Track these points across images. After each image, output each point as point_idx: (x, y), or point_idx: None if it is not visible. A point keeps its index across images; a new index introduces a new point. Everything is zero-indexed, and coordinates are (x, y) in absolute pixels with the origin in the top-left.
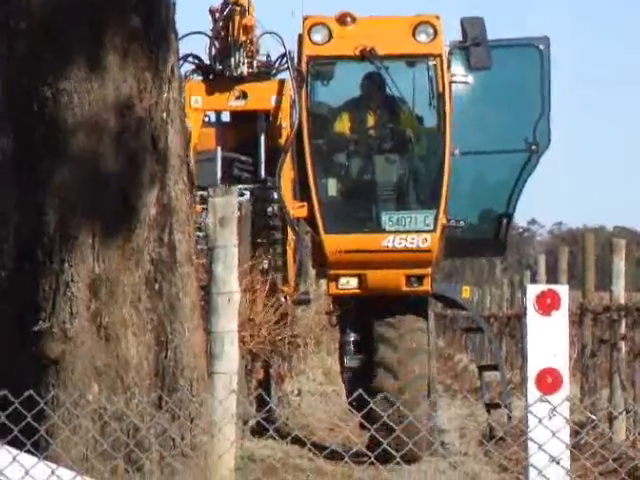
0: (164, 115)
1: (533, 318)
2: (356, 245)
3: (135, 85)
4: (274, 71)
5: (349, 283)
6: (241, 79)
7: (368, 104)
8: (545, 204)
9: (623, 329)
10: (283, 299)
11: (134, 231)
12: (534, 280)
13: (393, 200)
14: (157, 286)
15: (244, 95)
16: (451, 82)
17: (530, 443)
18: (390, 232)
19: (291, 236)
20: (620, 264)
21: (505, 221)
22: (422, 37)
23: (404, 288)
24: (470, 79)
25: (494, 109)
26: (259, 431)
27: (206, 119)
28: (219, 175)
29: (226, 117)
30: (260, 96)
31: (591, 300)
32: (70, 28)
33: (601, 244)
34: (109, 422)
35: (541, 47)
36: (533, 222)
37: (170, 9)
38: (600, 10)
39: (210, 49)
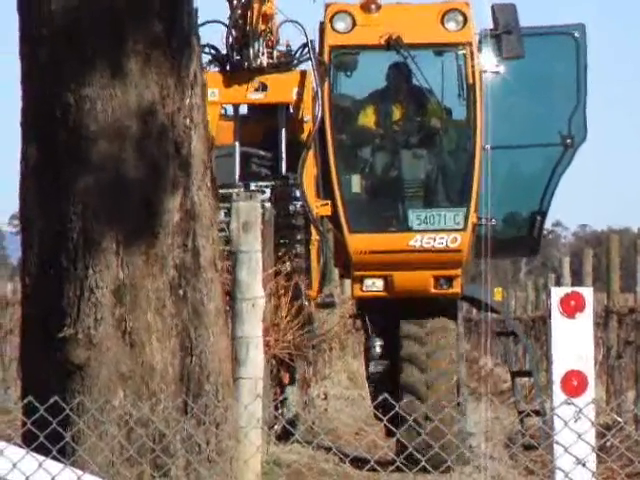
0: (187, 121)
1: (558, 321)
2: (382, 245)
3: (158, 91)
4: (295, 62)
5: (374, 285)
6: (260, 70)
7: (394, 96)
8: (570, 206)
9: None
10: (307, 302)
11: (158, 237)
12: (558, 283)
13: (421, 197)
14: (181, 292)
15: (264, 87)
16: (482, 72)
17: (556, 446)
18: (418, 231)
19: (315, 236)
20: None
21: (539, 219)
22: (451, 25)
23: (433, 290)
24: (502, 69)
25: (527, 100)
26: (284, 436)
27: (223, 112)
28: (237, 171)
29: (244, 110)
30: (281, 88)
31: (616, 302)
32: (92, 35)
33: (626, 246)
34: (135, 428)
35: (577, 35)
36: (558, 224)
37: (192, 15)
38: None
39: (227, 39)
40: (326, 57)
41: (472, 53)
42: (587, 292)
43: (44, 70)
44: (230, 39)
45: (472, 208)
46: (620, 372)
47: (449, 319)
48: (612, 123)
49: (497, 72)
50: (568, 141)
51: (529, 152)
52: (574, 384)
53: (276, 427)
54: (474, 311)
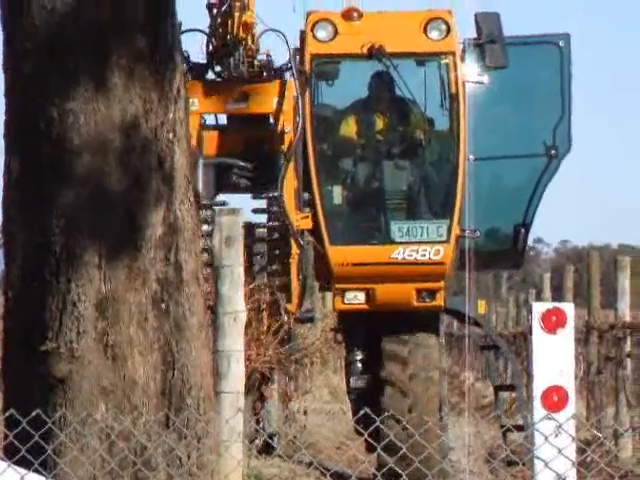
0: (170, 135)
1: (539, 336)
2: (363, 257)
3: (141, 105)
4: (276, 71)
5: (356, 298)
6: (241, 80)
7: (376, 106)
8: (551, 222)
9: (628, 347)
10: (286, 317)
11: (140, 251)
12: (539, 298)
13: (403, 209)
14: (164, 306)
15: (244, 97)
16: (465, 82)
17: (536, 461)
18: (400, 243)
19: (294, 250)
20: (625, 282)
21: (523, 231)
22: (434, 34)
23: (415, 303)
24: (485, 79)
25: (511, 111)
26: (265, 450)
27: (202, 121)
28: (212, 182)
29: (223, 119)
30: (261, 98)
31: (597, 318)
32: (76, 49)
33: (606, 262)
34: (116, 441)
35: (561, 44)
36: (539, 240)
37: (176, 29)
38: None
39: (207, 47)
40: (307, 66)
41: (455, 62)
42: (568, 307)
43: (28, 83)
44: (210, 48)
45: (455, 220)
46: (600, 388)
47: (431, 333)
48: (592, 138)
49: (481, 82)
50: (552, 152)
51: (513, 163)
52: (555, 399)
53: (257, 441)
54: (455, 325)
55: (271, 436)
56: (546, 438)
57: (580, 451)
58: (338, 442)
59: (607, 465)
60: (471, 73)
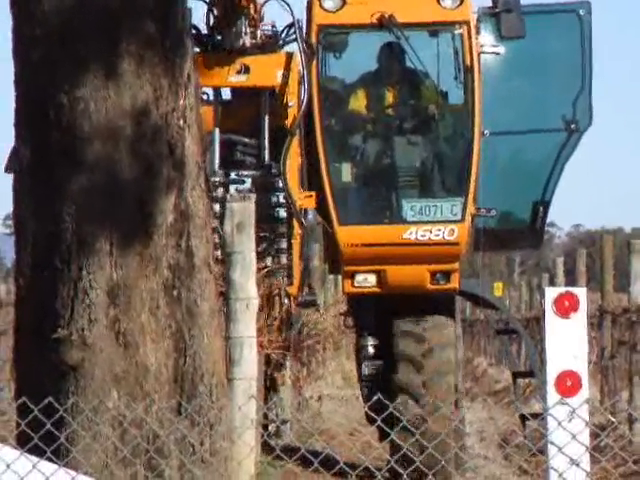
0: (181, 122)
1: (552, 321)
2: (374, 238)
3: (151, 92)
4: (280, 42)
5: (366, 280)
6: (243, 51)
7: (386, 79)
8: (564, 206)
9: None
10: (287, 301)
11: (151, 238)
12: (552, 283)
13: (415, 187)
14: (175, 292)
15: (246, 69)
16: (480, 53)
17: (550, 446)
18: (412, 223)
19: (297, 230)
20: (638, 265)
21: (542, 209)
22: (447, 2)
23: (428, 286)
24: (501, 50)
25: (528, 83)
26: (278, 436)
27: (204, 97)
28: (217, 160)
29: (226, 94)
30: (264, 71)
31: (610, 302)
32: (85, 35)
33: (619, 246)
34: (129, 429)
35: (581, 13)
36: (551, 225)
37: (186, 15)
38: None
39: (208, 17)
40: (314, 37)
41: (470, 33)
42: (581, 292)
43: (38, 71)
44: (211, 18)
45: (470, 198)
46: (614, 372)
47: (446, 317)
48: (605, 120)
49: (496, 53)
50: (572, 126)
51: (531, 138)
52: (568, 384)
53: (270, 427)
54: (467, 310)
55: (284, 423)
56: (559, 423)
57: (594, 436)
58: (351, 428)
59: (621, 449)
60: (486, 44)
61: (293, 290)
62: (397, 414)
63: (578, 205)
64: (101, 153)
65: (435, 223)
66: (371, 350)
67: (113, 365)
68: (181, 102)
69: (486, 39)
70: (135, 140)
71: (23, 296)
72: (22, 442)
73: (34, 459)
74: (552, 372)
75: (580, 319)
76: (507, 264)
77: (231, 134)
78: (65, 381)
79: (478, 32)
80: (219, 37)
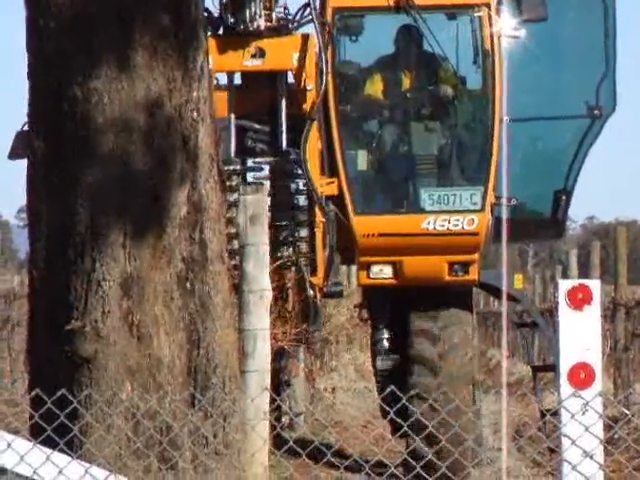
0: (194, 114)
1: (565, 313)
2: (390, 228)
3: (165, 84)
4: (295, 25)
5: (382, 272)
6: (257, 34)
7: (404, 63)
8: (577, 198)
9: None
10: (311, 291)
11: (165, 230)
12: (566, 275)
13: (434, 175)
14: (189, 284)
15: (261, 53)
16: (500, 36)
17: (563, 438)
18: (430, 212)
19: (319, 218)
20: None
21: (564, 198)
22: None
23: (447, 277)
24: (522, 33)
25: (550, 68)
26: (293, 429)
27: (215, 81)
28: (233, 147)
29: (239, 79)
30: (280, 54)
31: (623, 294)
32: (99, 27)
33: (633, 238)
34: (142, 421)
35: None
36: None
37: (199, 6)
38: None
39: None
40: (329, 20)
41: (490, 15)
42: (594, 284)
43: (51, 63)
44: (224, 0)
45: (490, 187)
46: (627, 364)
47: (463, 310)
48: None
49: (517, 36)
50: (596, 112)
51: (552, 125)
52: (581, 376)
53: (283, 420)
54: (481, 302)
55: (297, 415)
56: (573, 416)
57: (607, 428)
58: (364, 421)
59: (634, 442)
60: (507, 27)
61: (318, 280)
62: (414, 415)
63: (592, 197)
64: (115, 145)
65: (454, 213)
66: (386, 344)
67: (126, 357)
68: (194, 94)
69: (507, 22)
70: (148, 132)
71: (37, 288)
72: (36, 434)
73: (47, 451)
74: (565, 365)
75: (594, 311)
76: (520, 256)
77: (245, 120)
78: (79, 373)
79: (498, 15)
80: (232, 20)
